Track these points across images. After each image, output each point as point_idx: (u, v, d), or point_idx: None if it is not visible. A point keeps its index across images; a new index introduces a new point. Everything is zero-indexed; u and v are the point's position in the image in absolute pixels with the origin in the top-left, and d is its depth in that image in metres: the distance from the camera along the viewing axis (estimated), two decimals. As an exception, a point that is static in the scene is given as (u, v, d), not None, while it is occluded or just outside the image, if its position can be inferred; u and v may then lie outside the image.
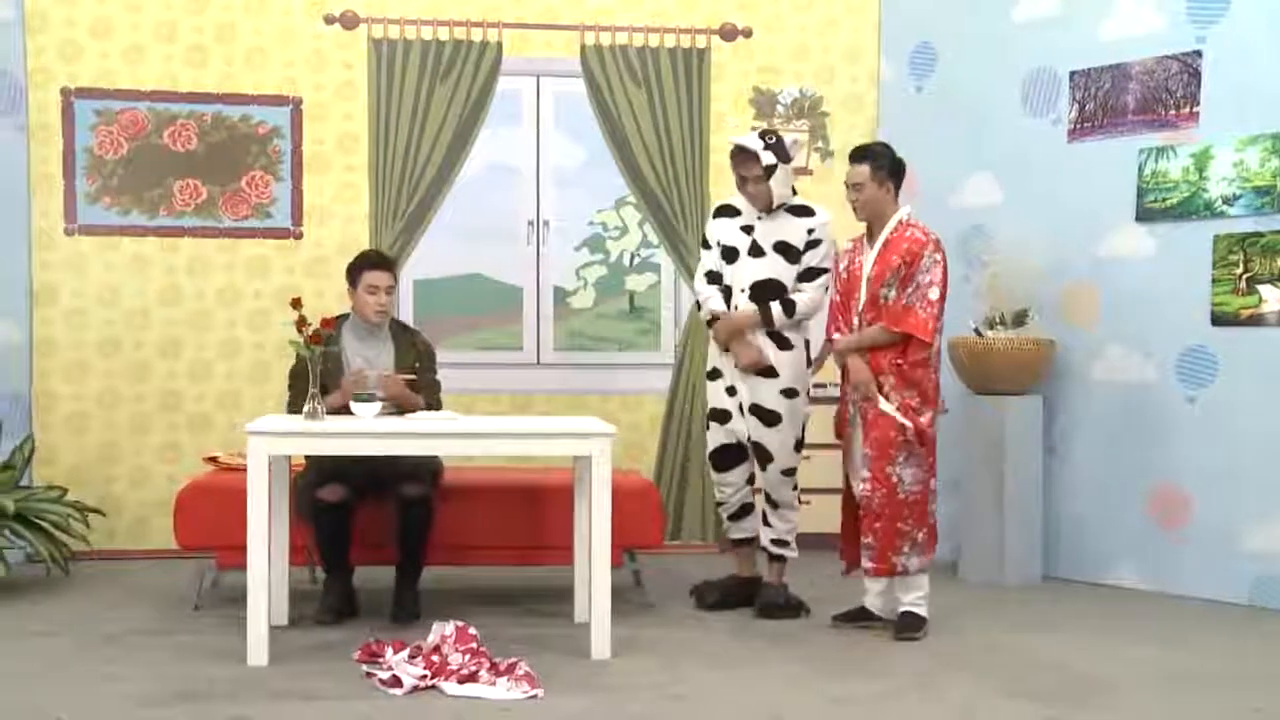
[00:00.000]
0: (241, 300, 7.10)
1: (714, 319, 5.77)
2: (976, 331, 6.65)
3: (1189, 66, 6.17)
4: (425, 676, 4.46)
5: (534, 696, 4.35)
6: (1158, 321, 6.29)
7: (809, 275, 5.67)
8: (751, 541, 5.89)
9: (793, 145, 5.67)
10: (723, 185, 7.28)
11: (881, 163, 5.33)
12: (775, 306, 5.62)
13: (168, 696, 4.32)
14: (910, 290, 5.23)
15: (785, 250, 5.66)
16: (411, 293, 7.25)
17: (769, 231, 5.68)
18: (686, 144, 7.32)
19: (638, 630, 5.27)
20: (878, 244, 5.35)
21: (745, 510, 5.87)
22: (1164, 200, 6.26)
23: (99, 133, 6.98)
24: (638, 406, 7.35)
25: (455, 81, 7.18)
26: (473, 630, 4.78)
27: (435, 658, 4.60)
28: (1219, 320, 6.08)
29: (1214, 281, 6.10)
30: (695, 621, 5.60)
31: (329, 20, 7.14)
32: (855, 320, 5.38)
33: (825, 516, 7.11)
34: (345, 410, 5.17)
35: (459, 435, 5.00)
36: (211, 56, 7.07)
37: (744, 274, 5.70)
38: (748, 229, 5.72)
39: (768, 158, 5.55)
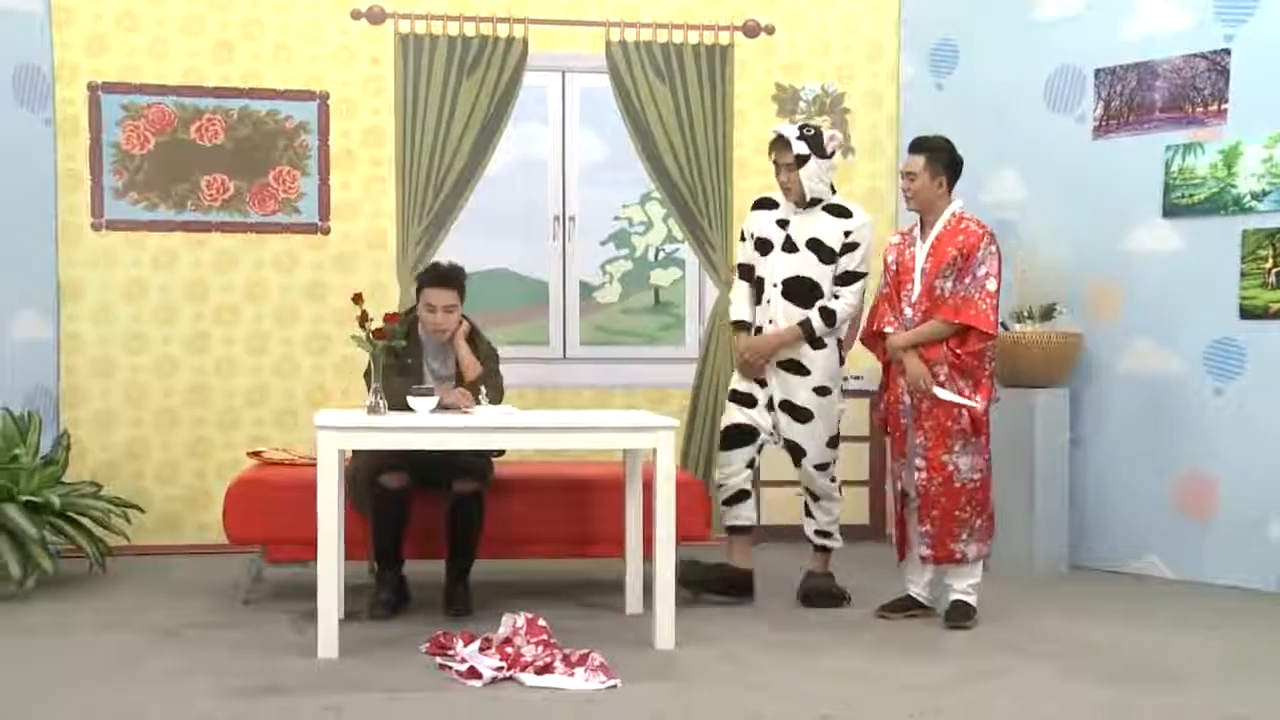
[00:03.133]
0: (269, 295, 7.10)
1: (738, 324, 5.83)
2: (1003, 325, 6.72)
3: (1217, 64, 6.28)
4: (501, 668, 4.51)
5: (613, 686, 4.40)
6: (1185, 315, 6.41)
7: (847, 279, 5.68)
8: (748, 531, 5.85)
9: (830, 140, 5.71)
10: (747, 180, 7.40)
11: (938, 156, 5.46)
12: (815, 318, 5.62)
13: (251, 690, 4.34)
14: (968, 282, 5.32)
15: (818, 248, 5.68)
16: (438, 288, 7.27)
17: (804, 227, 5.71)
18: (710, 140, 7.37)
19: (691, 621, 5.29)
20: (930, 237, 5.44)
21: (741, 496, 5.80)
22: (1191, 196, 6.38)
23: (126, 127, 6.96)
24: (662, 401, 7.39)
25: (481, 77, 7.20)
26: (542, 622, 4.83)
27: (509, 650, 4.64)
28: (1247, 314, 6.20)
29: (1242, 275, 6.22)
30: (745, 613, 5.66)
31: (356, 15, 7.15)
32: (908, 311, 5.45)
33: (853, 508, 7.29)
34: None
35: (522, 430, 5.05)
36: (238, 51, 7.06)
37: (777, 268, 5.74)
38: (783, 223, 5.76)
39: (799, 147, 5.60)
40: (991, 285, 5.34)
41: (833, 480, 5.82)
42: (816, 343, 5.70)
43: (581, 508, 5.83)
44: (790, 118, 7.51)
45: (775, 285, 5.73)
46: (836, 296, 5.68)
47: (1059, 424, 6.70)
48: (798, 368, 5.71)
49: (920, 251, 5.47)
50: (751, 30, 7.50)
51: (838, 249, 5.68)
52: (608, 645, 4.84)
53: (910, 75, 7.53)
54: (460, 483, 5.43)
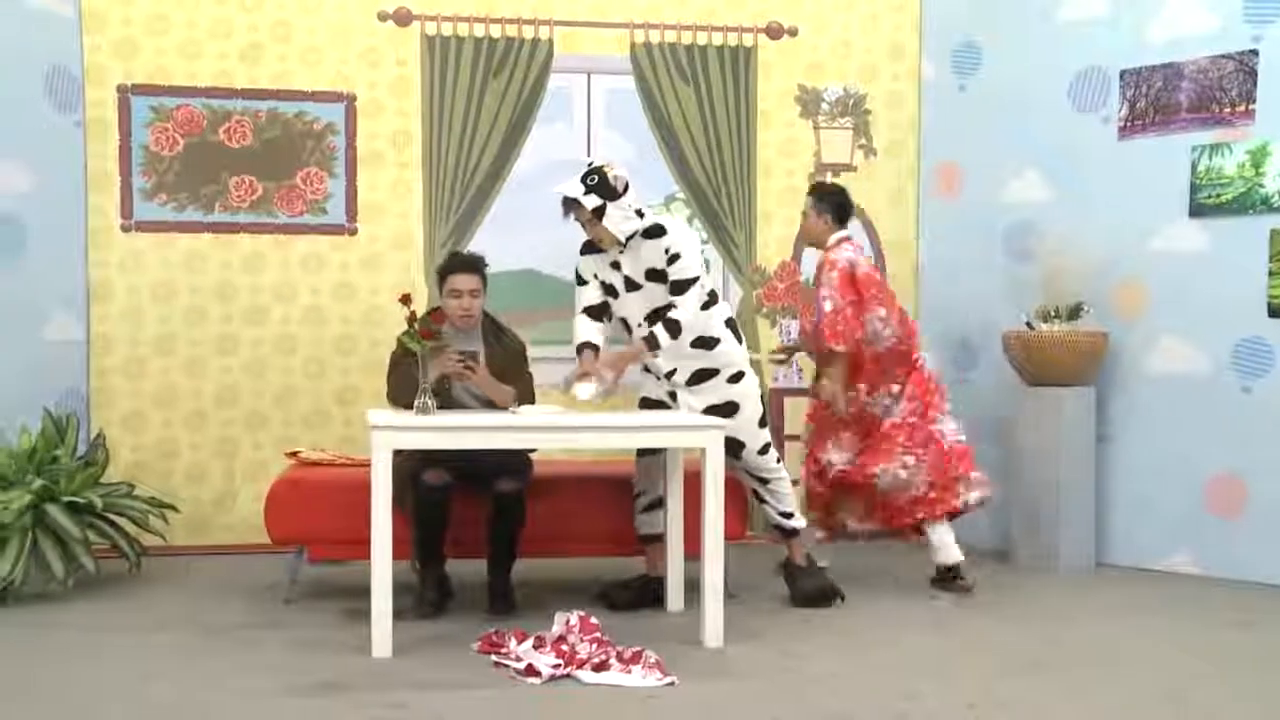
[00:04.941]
0: (297, 296, 7.12)
1: (582, 346, 5.67)
2: (1028, 325, 6.80)
3: (1245, 65, 6.35)
4: (559, 666, 4.54)
5: (671, 683, 4.44)
6: (1212, 314, 6.47)
7: (679, 288, 5.49)
8: (660, 538, 5.75)
9: (616, 179, 5.49)
10: (770, 181, 7.47)
11: (825, 200, 6.19)
12: (659, 331, 5.46)
13: (313, 688, 4.37)
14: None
15: (655, 275, 5.53)
16: (466, 288, 7.30)
17: (634, 263, 5.56)
18: (734, 141, 7.42)
19: (734, 619, 5.28)
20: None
21: (658, 504, 5.75)
22: (1218, 196, 6.44)
23: (155, 129, 6.97)
24: (688, 400, 7.43)
25: (508, 78, 7.23)
26: (594, 620, 4.87)
27: (564, 647, 4.67)
28: (1275, 312, 6.27)
29: (1270, 275, 6.28)
30: (779, 609, 5.70)
31: (383, 17, 7.18)
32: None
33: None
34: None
35: (572, 429, 5.07)
36: (266, 53, 7.08)
37: (633, 308, 5.61)
38: (616, 264, 5.61)
39: (591, 201, 5.43)
40: (827, 306, 5.98)
41: (778, 461, 5.77)
42: (709, 343, 5.60)
43: (618, 506, 5.85)
44: (813, 120, 7.57)
45: (640, 325, 5.60)
46: (675, 308, 5.49)
47: (1085, 423, 6.76)
48: (708, 374, 5.63)
49: None
50: (774, 32, 7.54)
51: (665, 267, 5.52)
52: (655, 643, 4.86)
53: (931, 76, 7.58)
54: (503, 481, 5.46)
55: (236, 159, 7.05)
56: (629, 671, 4.51)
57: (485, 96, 7.21)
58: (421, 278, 7.16)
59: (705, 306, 5.60)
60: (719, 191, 7.39)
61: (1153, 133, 6.69)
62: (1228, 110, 6.42)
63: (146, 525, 6.15)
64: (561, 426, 5.05)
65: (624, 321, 5.70)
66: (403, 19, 7.20)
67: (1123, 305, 6.79)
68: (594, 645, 4.69)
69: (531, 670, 4.50)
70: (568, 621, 4.86)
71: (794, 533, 5.83)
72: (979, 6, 7.39)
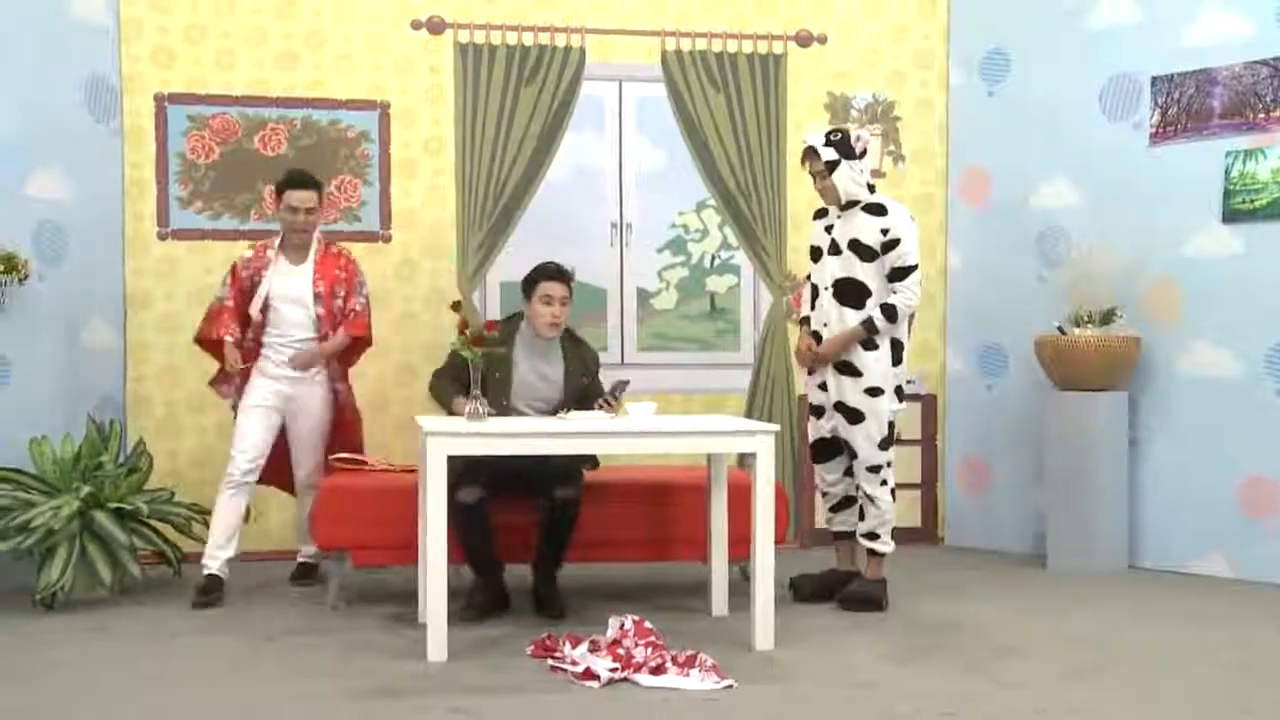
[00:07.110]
0: (332, 303, 7.14)
1: (804, 320, 6.01)
2: (1060, 330, 6.84)
3: (1279, 71, 6.39)
4: (616, 669, 4.57)
5: (729, 686, 4.47)
6: (1246, 319, 6.51)
7: (898, 275, 5.77)
8: (851, 535, 6.03)
9: (858, 141, 5.81)
10: (800, 189, 7.44)
11: (323, 192, 6.41)
12: (876, 315, 5.72)
13: (372, 692, 4.40)
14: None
15: (858, 248, 5.79)
16: (499, 295, 7.34)
17: (845, 230, 5.83)
18: (764, 148, 7.45)
19: (779, 621, 5.30)
20: (310, 262, 6.25)
21: (846, 503, 6.02)
22: (1252, 201, 6.48)
23: (191, 137, 7.02)
24: (719, 406, 7.47)
25: (540, 86, 7.26)
26: (649, 624, 4.89)
27: (619, 651, 4.70)
28: (1310, 317, 6.32)
29: (1305, 280, 6.34)
30: (823, 612, 5.73)
31: (416, 26, 7.22)
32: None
33: (905, 511, 7.39)
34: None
35: (623, 434, 5.10)
36: (301, 62, 7.12)
37: (826, 272, 5.87)
38: (829, 228, 5.91)
39: (828, 153, 5.76)
40: (363, 303, 6.30)
41: (884, 484, 5.86)
42: (868, 344, 5.79)
43: (660, 512, 5.88)
44: (842, 124, 7.61)
45: (827, 289, 5.86)
46: (895, 293, 5.76)
47: (1118, 426, 6.80)
48: (850, 369, 5.80)
49: (306, 276, 6.19)
50: (804, 40, 7.59)
51: (877, 248, 5.77)
52: (705, 646, 4.88)
53: (960, 83, 7.62)
54: (561, 488, 5.48)
55: (271, 167, 7.07)
56: (686, 675, 4.54)
57: (517, 104, 7.24)
58: (454, 284, 7.18)
59: None
60: (749, 198, 7.42)
61: (1185, 138, 6.72)
62: (1261, 116, 6.46)
63: (189, 531, 6.17)
64: (612, 432, 5.07)
65: (814, 287, 5.94)
66: (435, 27, 7.24)
67: (1156, 310, 6.82)
68: (649, 649, 4.72)
69: (589, 674, 4.53)
70: (622, 625, 4.88)
71: (872, 551, 5.90)
72: (1007, 14, 7.43)
